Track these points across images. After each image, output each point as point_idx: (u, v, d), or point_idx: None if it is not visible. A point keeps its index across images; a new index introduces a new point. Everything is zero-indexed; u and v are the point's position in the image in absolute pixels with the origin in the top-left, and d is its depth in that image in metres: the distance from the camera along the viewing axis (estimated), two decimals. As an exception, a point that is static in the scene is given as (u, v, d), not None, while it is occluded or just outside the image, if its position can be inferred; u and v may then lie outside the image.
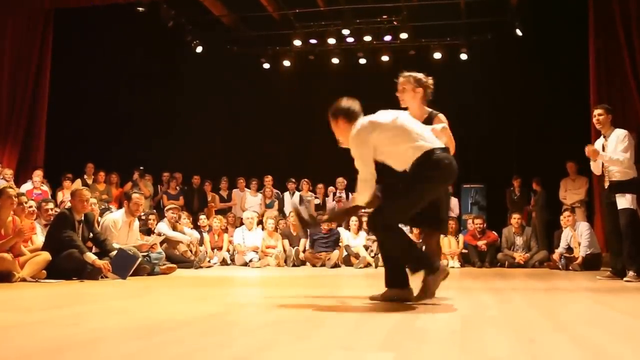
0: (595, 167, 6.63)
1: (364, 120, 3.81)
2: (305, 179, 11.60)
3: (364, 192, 3.79)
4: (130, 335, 2.59)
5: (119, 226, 7.09)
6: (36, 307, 3.85)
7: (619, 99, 8.97)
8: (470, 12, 11.74)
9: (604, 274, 6.77)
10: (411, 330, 2.78)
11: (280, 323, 3.00)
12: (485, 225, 10.19)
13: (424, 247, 4.53)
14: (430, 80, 4.41)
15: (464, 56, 12.27)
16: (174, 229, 9.08)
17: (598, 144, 6.66)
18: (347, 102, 3.93)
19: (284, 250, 9.88)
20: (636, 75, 8.83)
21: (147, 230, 8.16)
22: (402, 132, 3.76)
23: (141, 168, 11.36)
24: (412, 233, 10.15)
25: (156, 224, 8.63)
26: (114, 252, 6.37)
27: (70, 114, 11.30)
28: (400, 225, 3.93)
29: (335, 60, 12.95)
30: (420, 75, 4.41)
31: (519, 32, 11.41)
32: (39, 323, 2.98)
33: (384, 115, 3.85)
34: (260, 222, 10.56)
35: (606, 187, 6.55)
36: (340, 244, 10.03)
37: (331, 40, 12.64)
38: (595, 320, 3.23)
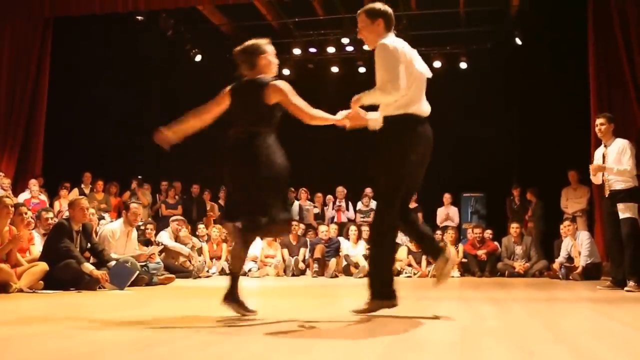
0: (595, 179, 6.66)
1: (396, 40, 3.78)
2: (304, 188, 11.57)
3: (375, 97, 3.73)
4: (128, 348, 2.56)
5: (117, 236, 7.06)
6: (33, 318, 3.83)
7: (619, 107, 8.96)
8: (470, 20, 11.76)
9: (604, 284, 6.75)
10: (411, 341, 2.76)
11: (279, 335, 2.98)
12: (490, 235, 10.17)
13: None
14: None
15: (463, 65, 12.29)
16: (177, 239, 9.03)
17: (599, 152, 6.68)
18: (387, 8, 3.90)
19: (283, 260, 9.85)
20: (636, 83, 8.82)
21: (145, 240, 8.12)
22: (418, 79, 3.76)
23: (140, 177, 11.34)
24: (411, 242, 10.17)
25: (154, 234, 8.60)
26: (112, 263, 6.34)
27: (69, 121, 11.29)
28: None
29: (334, 69, 12.96)
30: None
31: (518, 41, 11.43)
32: (35, 335, 2.95)
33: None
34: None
35: (606, 197, 6.55)
36: (339, 253, 10.00)
37: (331, 49, 12.65)
38: (595, 332, 3.20)
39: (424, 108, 3.83)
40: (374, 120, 3.82)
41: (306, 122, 3.91)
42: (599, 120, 6.66)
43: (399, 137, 3.72)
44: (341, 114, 3.90)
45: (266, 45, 3.98)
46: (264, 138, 3.72)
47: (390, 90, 3.63)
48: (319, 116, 3.89)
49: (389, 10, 3.96)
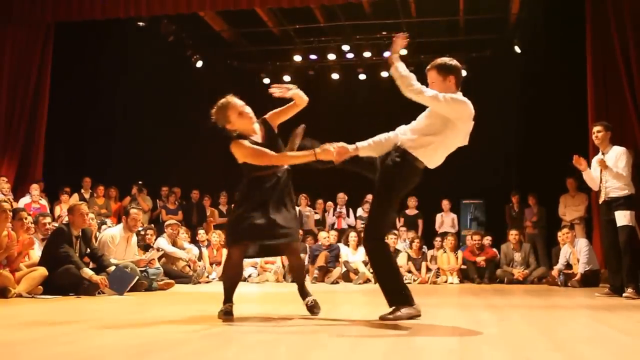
0: (589, 180, 6.66)
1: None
2: (303, 194, 11.56)
3: (409, 85, 3.73)
4: (128, 354, 2.57)
5: (116, 241, 7.05)
6: (32, 323, 3.84)
7: (617, 115, 8.98)
8: (469, 28, 11.80)
9: (602, 291, 6.76)
10: (409, 349, 2.77)
11: (278, 342, 2.99)
12: (489, 242, 10.14)
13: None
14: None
15: (462, 72, 12.30)
16: (174, 244, 9.05)
17: (596, 160, 6.69)
18: (458, 63, 3.96)
19: (283, 266, 9.84)
20: (633, 92, 8.84)
21: (145, 246, 8.13)
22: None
23: (140, 182, 11.35)
24: (411, 249, 10.18)
25: (154, 239, 8.60)
26: (112, 268, 6.34)
27: (70, 126, 11.31)
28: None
29: (335, 76, 12.98)
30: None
31: (517, 49, 11.46)
32: (34, 340, 2.96)
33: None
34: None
35: (601, 203, 6.57)
36: (339, 259, 9.99)
37: (331, 56, 12.69)
38: (593, 339, 3.22)
39: (433, 164, 3.87)
40: (364, 148, 3.86)
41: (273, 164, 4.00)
42: (595, 128, 6.69)
43: (398, 171, 3.77)
44: (324, 147, 3.83)
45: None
46: None
47: (430, 96, 3.67)
48: (288, 157, 4.00)
49: (459, 65, 3.97)
